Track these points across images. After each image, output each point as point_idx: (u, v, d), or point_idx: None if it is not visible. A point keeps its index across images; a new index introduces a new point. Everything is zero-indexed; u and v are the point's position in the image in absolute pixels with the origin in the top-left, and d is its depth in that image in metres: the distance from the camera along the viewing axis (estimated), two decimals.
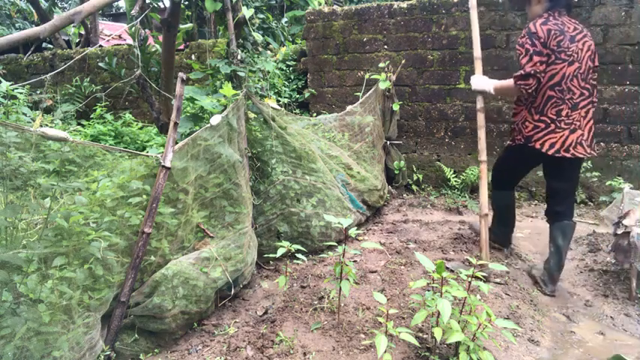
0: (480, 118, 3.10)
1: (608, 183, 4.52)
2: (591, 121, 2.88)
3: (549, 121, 2.82)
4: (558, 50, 2.75)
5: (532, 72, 2.71)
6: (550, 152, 2.81)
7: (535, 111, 2.85)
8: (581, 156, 2.83)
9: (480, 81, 3.07)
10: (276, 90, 5.86)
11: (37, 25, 8.05)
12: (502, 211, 3.31)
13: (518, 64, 2.81)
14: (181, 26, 4.55)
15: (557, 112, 2.80)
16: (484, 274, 2.68)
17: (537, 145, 2.84)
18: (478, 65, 3.13)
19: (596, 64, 2.93)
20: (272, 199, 3.36)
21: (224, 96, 3.00)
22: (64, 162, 2.04)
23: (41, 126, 4.04)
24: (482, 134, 3.05)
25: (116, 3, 13.10)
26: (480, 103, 3.12)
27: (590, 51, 2.85)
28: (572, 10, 3.01)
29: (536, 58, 2.71)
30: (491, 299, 2.72)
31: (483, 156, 3.06)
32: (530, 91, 2.76)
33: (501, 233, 3.39)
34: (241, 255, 2.73)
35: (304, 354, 2.18)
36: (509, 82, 2.86)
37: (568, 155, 2.80)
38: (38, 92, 6.88)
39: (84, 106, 6.59)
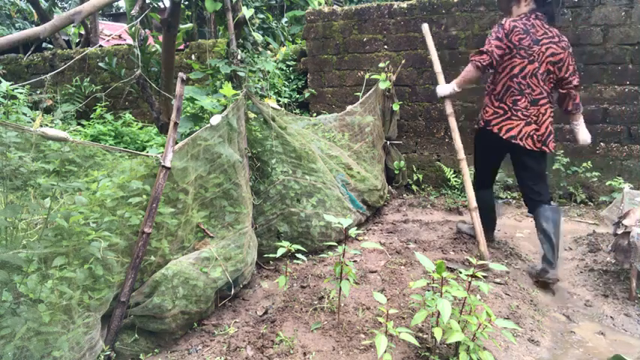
0: (452, 121, 3.42)
1: (608, 183, 4.52)
2: (549, 119, 3.10)
3: (507, 109, 3.08)
4: (518, 47, 2.99)
5: (486, 50, 3.02)
6: (505, 137, 3.07)
7: (495, 98, 3.14)
8: (529, 148, 3.06)
9: (444, 87, 3.38)
10: (276, 90, 5.86)
11: (37, 25, 8.05)
12: (484, 210, 3.38)
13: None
14: (181, 26, 4.54)
15: (513, 101, 3.06)
16: (484, 267, 2.69)
17: (495, 130, 3.11)
18: (440, 78, 3.49)
19: (564, 75, 3.07)
20: (272, 199, 3.36)
21: (224, 96, 3.00)
22: (64, 162, 2.04)
23: (41, 126, 4.04)
24: (456, 135, 3.38)
25: (116, 3, 13.10)
26: (449, 109, 3.42)
27: (554, 57, 3.03)
28: (554, 20, 3.18)
29: (494, 42, 3.01)
30: (491, 299, 2.72)
31: (461, 154, 3.36)
32: (485, 64, 3.03)
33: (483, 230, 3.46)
34: (241, 255, 2.73)
35: (304, 354, 2.18)
36: (467, 67, 3.16)
37: (520, 144, 3.06)
38: (38, 92, 6.88)
39: (84, 106, 6.59)
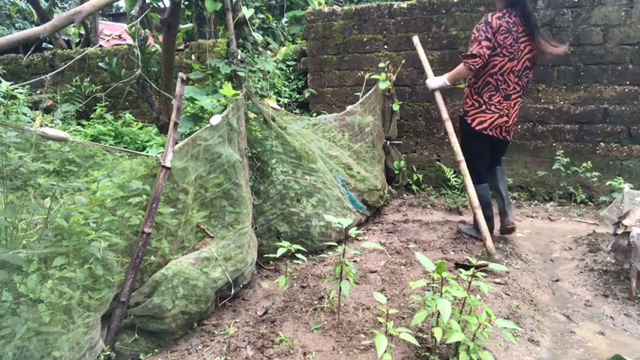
0: (448, 126, 3.52)
1: (608, 183, 4.51)
2: (517, 111, 3.43)
3: (482, 102, 3.34)
4: (502, 46, 3.20)
5: (477, 53, 3.17)
6: (477, 128, 3.37)
7: (474, 92, 3.38)
8: (496, 137, 3.40)
9: (435, 80, 3.58)
10: (276, 90, 5.85)
11: (37, 25, 8.05)
12: (482, 206, 3.46)
13: (471, 44, 3.25)
14: (181, 26, 4.54)
15: (489, 96, 3.31)
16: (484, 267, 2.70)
17: (469, 120, 3.39)
18: (431, 75, 3.74)
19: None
20: (272, 199, 3.36)
21: (224, 96, 3.00)
22: (64, 162, 2.04)
23: (41, 126, 4.04)
24: (453, 139, 3.48)
25: (116, 3, 13.10)
26: (444, 114, 3.52)
27: (530, 53, 3.27)
28: (529, 20, 3.24)
29: (483, 43, 3.17)
30: (491, 299, 2.72)
31: (460, 156, 3.46)
32: (477, 66, 3.22)
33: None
34: (241, 255, 2.73)
35: (304, 354, 2.18)
36: (459, 66, 3.34)
37: (490, 134, 3.38)
38: (38, 92, 6.88)
39: (84, 106, 6.59)
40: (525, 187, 5.04)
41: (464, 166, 3.43)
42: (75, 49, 8.96)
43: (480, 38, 3.17)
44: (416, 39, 3.98)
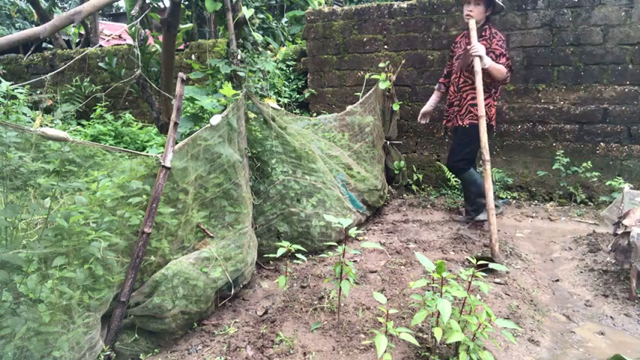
0: (482, 123, 3.49)
1: (608, 183, 4.51)
2: None
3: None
4: None
5: (512, 68, 3.80)
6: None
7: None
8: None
9: (485, 56, 3.57)
10: (276, 90, 5.85)
11: (37, 25, 8.05)
12: (477, 186, 3.93)
13: (498, 59, 3.64)
14: (181, 26, 4.54)
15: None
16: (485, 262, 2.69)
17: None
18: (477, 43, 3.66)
19: None
20: (272, 199, 3.36)
21: (224, 96, 3.00)
22: (64, 162, 2.04)
23: (41, 126, 4.04)
24: (484, 137, 3.45)
25: (116, 3, 13.10)
26: (481, 111, 3.49)
27: None
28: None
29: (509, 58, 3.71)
30: (491, 299, 2.72)
31: (487, 156, 3.42)
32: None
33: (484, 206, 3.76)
34: (241, 255, 2.73)
35: (304, 354, 2.18)
36: (502, 67, 3.62)
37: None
38: (38, 92, 6.88)
39: (84, 106, 6.59)
40: (525, 187, 5.04)
41: (488, 166, 3.36)
42: (75, 49, 8.96)
43: (506, 54, 3.67)
44: (472, 23, 3.68)
